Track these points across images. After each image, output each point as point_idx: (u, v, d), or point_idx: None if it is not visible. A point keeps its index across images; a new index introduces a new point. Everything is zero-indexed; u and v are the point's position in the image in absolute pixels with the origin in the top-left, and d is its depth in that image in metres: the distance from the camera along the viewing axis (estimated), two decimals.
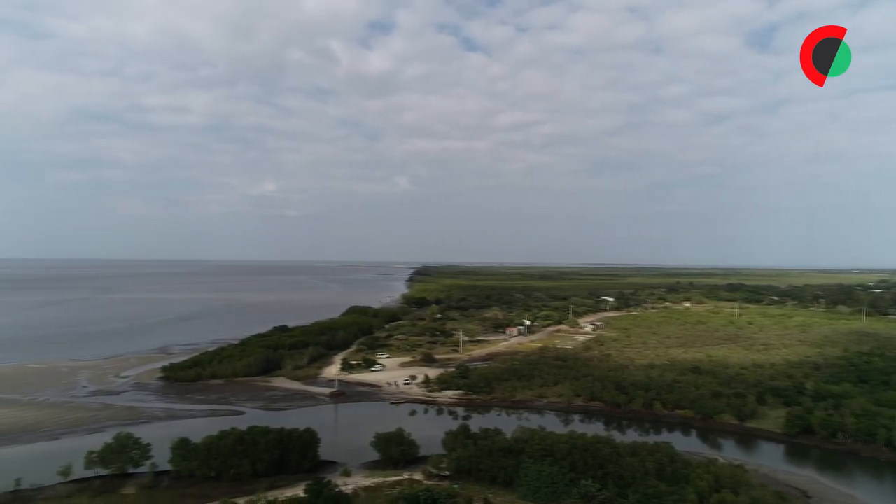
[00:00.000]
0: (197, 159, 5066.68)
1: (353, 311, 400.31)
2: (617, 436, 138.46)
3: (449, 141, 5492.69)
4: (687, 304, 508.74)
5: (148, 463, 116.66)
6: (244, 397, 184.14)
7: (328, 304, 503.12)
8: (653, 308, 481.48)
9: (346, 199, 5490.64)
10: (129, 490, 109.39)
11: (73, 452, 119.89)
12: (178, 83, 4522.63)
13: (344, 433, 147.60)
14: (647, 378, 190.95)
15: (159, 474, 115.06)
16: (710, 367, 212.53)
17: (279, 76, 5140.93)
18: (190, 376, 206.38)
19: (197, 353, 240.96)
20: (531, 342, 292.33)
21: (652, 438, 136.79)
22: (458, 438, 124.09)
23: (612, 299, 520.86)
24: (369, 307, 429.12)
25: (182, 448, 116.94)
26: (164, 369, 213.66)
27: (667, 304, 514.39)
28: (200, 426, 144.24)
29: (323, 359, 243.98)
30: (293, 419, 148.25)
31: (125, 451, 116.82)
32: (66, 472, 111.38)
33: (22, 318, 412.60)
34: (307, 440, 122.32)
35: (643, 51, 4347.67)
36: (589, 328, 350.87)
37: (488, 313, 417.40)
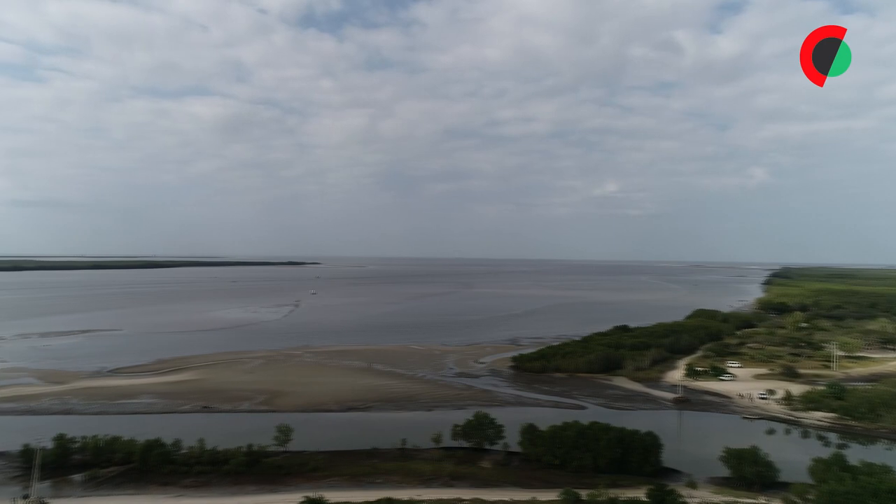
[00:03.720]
0: (543, 165, 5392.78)
1: (699, 314, 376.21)
2: None
3: (817, 122, 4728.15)
4: None
5: (501, 442, 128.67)
6: (585, 393, 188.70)
7: (670, 306, 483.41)
8: None
9: (691, 195, 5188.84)
10: (486, 464, 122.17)
11: (441, 423, 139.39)
12: (525, 96, 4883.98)
13: (688, 442, 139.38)
14: None
15: (510, 454, 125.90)
16: None
17: (620, 76, 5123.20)
18: (536, 367, 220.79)
19: (542, 347, 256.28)
20: None
21: None
22: (831, 469, 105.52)
23: None
24: (717, 311, 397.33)
25: (530, 433, 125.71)
26: (514, 359, 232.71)
27: None
28: (545, 415, 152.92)
29: (665, 362, 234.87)
30: (633, 420, 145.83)
31: (482, 429, 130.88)
32: (437, 439, 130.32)
33: (407, 308, 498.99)
34: (648, 443, 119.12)
35: None
36: None
37: (873, 325, 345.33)
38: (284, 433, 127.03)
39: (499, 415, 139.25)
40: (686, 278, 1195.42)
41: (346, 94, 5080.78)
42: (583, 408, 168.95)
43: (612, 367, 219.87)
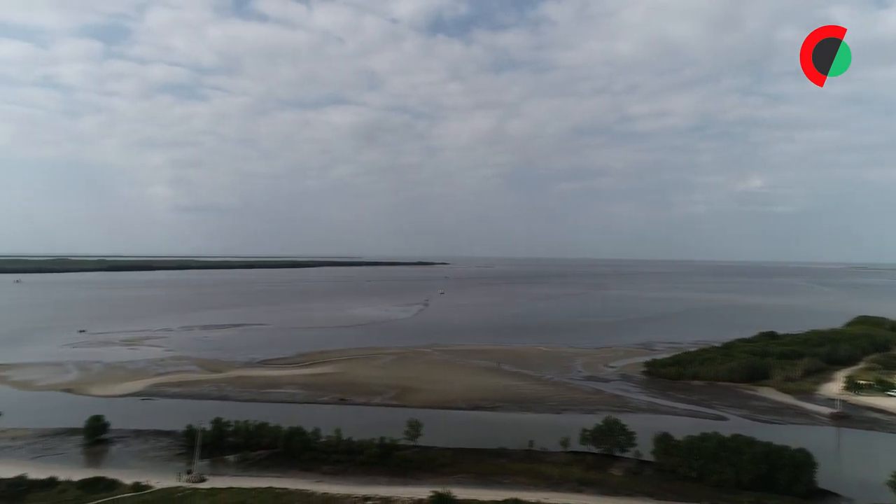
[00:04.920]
0: (680, 160, 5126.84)
1: (862, 321, 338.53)
2: None
3: None
4: None
5: (632, 450, 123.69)
6: (726, 403, 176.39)
7: (826, 312, 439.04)
8: None
9: (853, 189, 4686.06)
10: (616, 472, 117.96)
11: (569, 427, 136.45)
12: (660, 89, 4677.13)
13: (848, 463, 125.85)
14: None
15: (642, 463, 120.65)
16: None
17: (767, 62, 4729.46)
18: (671, 374, 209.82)
19: (678, 352, 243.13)
20: None
21: None
22: None
23: None
24: (885, 318, 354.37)
25: (664, 442, 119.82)
26: (647, 364, 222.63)
27: None
28: (680, 424, 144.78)
29: (820, 373, 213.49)
30: (781, 435, 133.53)
31: (613, 435, 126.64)
32: (565, 443, 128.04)
33: (535, 308, 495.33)
34: (799, 461, 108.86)
35: None
36: None
37: None
38: (414, 428, 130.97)
39: (630, 421, 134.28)
40: (845, 281, 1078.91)
41: (474, 97, 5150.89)
42: (723, 419, 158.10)
43: (756, 376, 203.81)
